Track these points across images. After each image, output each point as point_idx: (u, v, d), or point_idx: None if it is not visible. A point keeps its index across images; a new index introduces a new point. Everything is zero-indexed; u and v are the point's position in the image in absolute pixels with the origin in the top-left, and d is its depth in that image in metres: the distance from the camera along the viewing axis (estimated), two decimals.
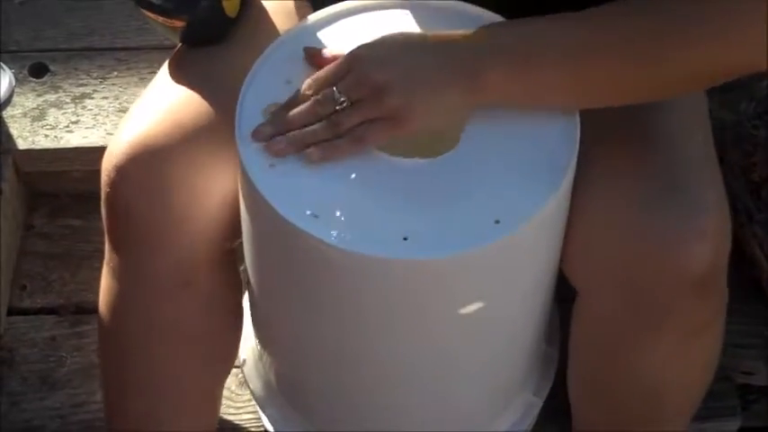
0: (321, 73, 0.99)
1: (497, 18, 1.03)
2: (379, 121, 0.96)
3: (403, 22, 1.07)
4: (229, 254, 1.14)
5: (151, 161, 1.05)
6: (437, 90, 0.96)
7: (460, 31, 0.98)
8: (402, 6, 1.08)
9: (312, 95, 0.98)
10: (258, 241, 1.03)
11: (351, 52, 0.98)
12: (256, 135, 0.98)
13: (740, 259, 1.52)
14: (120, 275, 1.12)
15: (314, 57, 1.03)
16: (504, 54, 0.96)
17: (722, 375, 1.45)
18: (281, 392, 1.22)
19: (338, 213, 0.94)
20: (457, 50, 0.97)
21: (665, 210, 0.99)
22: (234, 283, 1.17)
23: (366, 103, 0.96)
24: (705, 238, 0.99)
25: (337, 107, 0.96)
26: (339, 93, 0.96)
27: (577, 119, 0.99)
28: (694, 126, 1.09)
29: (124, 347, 1.17)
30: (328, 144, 0.96)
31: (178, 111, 1.08)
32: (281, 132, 0.97)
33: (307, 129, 0.97)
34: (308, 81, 0.99)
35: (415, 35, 1.01)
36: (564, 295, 1.13)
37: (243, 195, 1.02)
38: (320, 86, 0.98)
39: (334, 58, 1.01)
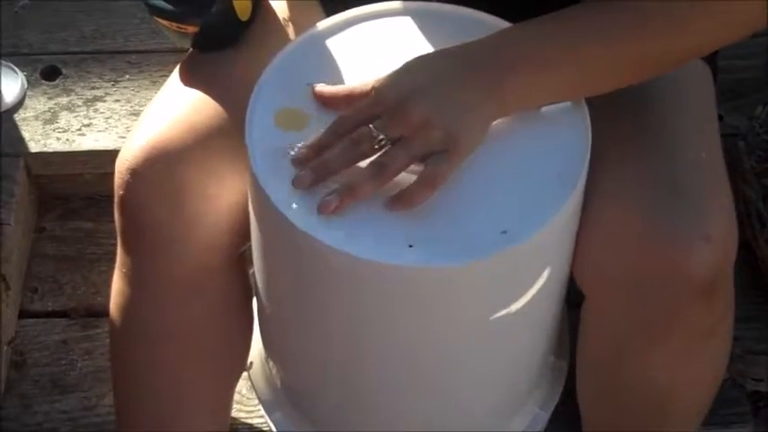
0: (350, 113, 0.96)
1: (504, 24, 1.03)
2: (436, 158, 0.94)
3: (412, 31, 1.06)
4: (240, 258, 1.14)
5: (165, 164, 1.05)
6: (474, 111, 0.95)
7: (476, 43, 0.98)
8: (411, 13, 1.08)
9: (342, 134, 0.95)
10: (266, 245, 1.03)
11: (376, 89, 0.96)
12: (298, 183, 0.95)
13: (753, 265, 1.52)
14: (132, 279, 1.12)
15: (325, 97, 1.00)
16: (526, 63, 0.96)
17: (734, 382, 1.45)
18: (288, 396, 1.22)
19: (345, 219, 0.94)
20: (479, 66, 0.96)
21: (671, 214, 0.99)
22: (244, 287, 1.17)
23: (412, 141, 0.94)
24: (710, 243, 0.98)
25: (375, 146, 0.94)
26: (377, 131, 0.94)
27: (589, 129, 0.99)
28: (701, 130, 1.09)
29: (135, 351, 1.17)
30: (402, 193, 0.94)
31: (191, 114, 1.08)
32: (321, 178, 0.95)
33: (352, 177, 0.94)
34: (336, 121, 0.96)
35: (431, 56, 0.99)
36: (573, 300, 1.12)
37: (252, 200, 1.02)
38: (350, 126, 0.95)
39: (346, 95, 0.99)
